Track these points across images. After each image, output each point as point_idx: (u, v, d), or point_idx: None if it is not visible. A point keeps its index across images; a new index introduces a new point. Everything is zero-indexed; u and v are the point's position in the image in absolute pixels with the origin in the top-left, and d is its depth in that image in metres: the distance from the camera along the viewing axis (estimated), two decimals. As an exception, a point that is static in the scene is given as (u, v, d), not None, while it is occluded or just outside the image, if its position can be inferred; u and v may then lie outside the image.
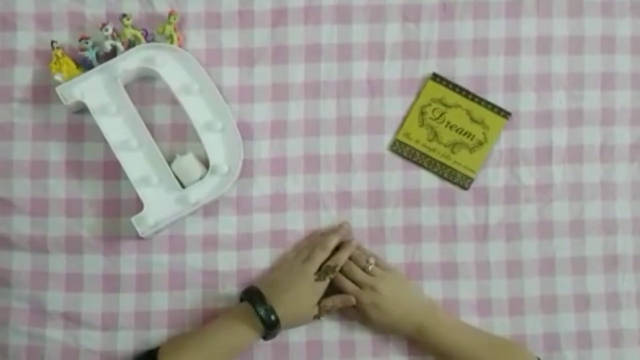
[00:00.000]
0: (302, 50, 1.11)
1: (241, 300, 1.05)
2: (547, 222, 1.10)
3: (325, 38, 1.11)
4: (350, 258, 1.07)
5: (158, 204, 1.05)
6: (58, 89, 1.06)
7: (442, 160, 1.11)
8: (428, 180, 1.11)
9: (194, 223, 1.09)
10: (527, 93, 1.12)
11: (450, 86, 1.11)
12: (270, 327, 1.01)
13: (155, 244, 1.09)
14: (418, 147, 1.11)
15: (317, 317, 1.06)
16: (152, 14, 1.11)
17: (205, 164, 1.08)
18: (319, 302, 1.05)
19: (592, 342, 1.09)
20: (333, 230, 1.09)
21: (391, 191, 1.11)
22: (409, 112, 1.12)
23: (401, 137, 1.11)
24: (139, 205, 1.06)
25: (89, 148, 1.09)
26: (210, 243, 1.09)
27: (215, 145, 1.07)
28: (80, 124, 1.10)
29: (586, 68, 1.12)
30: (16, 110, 1.09)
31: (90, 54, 1.07)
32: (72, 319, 1.08)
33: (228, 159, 1.07)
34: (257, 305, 1.01)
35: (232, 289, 1.08)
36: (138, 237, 1.06)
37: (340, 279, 1.05)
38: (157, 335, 1.08)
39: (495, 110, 1.11)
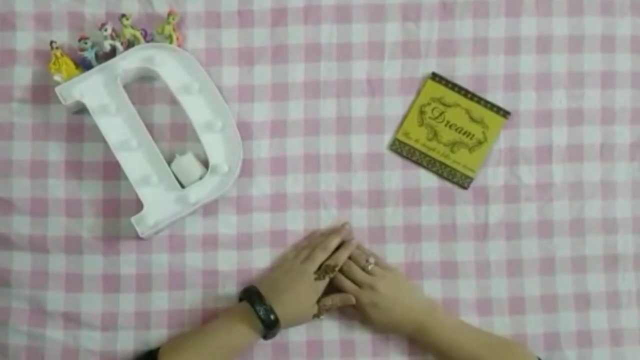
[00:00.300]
0: (302, 49, 1.11)
1: (240, 300, 1.05)
2: (547, 221, 1.10)
3: (325, 37, 1.11)
4: (350, 257, 1.07)
5: (158, 204, 1.05)
6: (57, 89, 1.05)
7: (442, 159, 1.11)
8: (428, 180, 1.11)
9: (193, 223, 1.09)
10: (527, 92, 1.12)
11: (450, 85, 1.11)
12: (269, 327, 1.01)
13: (155, 244, 1.09)
14: (418, 146, 1.11)
15: (316, 316, 1.06)
16: (152, 14, 1.11)
17: (205, 163, 1.08)
18: (318, 301, 1.05)
19: (593, 341, 1.09)
20: (334, 231, 1.09)
21: (391, 190, 1.11)
22: (408, 111, 1.12)
23: (401, 137, 1.11)
24: (138, 205, 1.05)
25: (88, 148, 1.09)
26: (210, 243, 1.09)
27: (215, 145, 1.07)
28: (79, 124, 1.10)
29: (586, 67, 1.12)
30: (16, 110, 1.09)
31: (90, 54, 1.07)
32: (72, 319, 1.08)
33: (228, 158, 1.07)
34: (256, 305, 1.01)
35: (232, 288, 1.08)
36: (138, 237, 1.06)
37: (339, 279, 1.06)
38: (157, 335, 1.08)
39: (495, 109, 1.11)
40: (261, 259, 1.09)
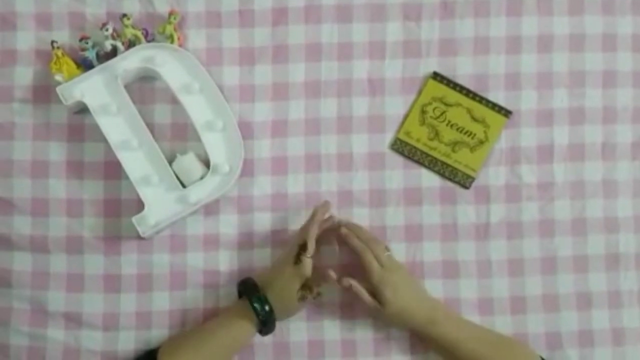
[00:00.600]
0: (303, 49, 1.11)
1: (239, 292, 1.06)
2: (548, 220, 1.10)
3: (326, 37, 1.11)
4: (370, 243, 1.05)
5: (159, 204, 1.05)
6: (58, 89, 1.06)
7: (443, 159, 1.11)
8: (429, 179, 1.11)
9: (194, 223, 1.09)
10: (528, 91, 1.12)
11: (451, 85, 1.11)
12: (264, 317, 1.01)
13: (156, 243, 1.09)
14: (419, 146, 1.11)
15: (301, 299, 1.03)
16: (153, 14, 1.11)
17: (206, 163, 1.07)
18: (310, 288, 1.03)
19: (594, 341, 1.09)
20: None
21: (392, 190, 1.11)
22: (409, 111, 1.12)
23: (402, 136, 1.11)
24: (139, 205, 1.05)
25: (89, 148, 1.09)
26: (211, 243, 1.09)
27: (216, 145, 1.07)
28: (80, 124, 1.10)
29: (587, 66, 1.12)
30: (17, 110, 1.09)
31: (91, 54, 1.07)
32: (73, 319, 1.08)
33: (229, 158, 1.07)
34: (252, 296, 1.01)
35: (233, 288, 1.08)
36: (139, 237, 1.06)
37: (364, 253, 1.03)
38: (158, 335, 1.08)
39: (496, 108, 1.11)
40: (262, 258, 1.09)
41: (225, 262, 1.09)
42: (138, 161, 1.06)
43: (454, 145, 1.11)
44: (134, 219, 1.04)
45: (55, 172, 1.09)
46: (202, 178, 1.07)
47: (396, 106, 1.12)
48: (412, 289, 1.05)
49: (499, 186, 1.11)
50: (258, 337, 1.06)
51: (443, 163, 1.11)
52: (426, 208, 1.11)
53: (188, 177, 1.07)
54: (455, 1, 1.12)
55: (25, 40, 1.10)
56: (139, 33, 1.08)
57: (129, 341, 1.08)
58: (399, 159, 1.11)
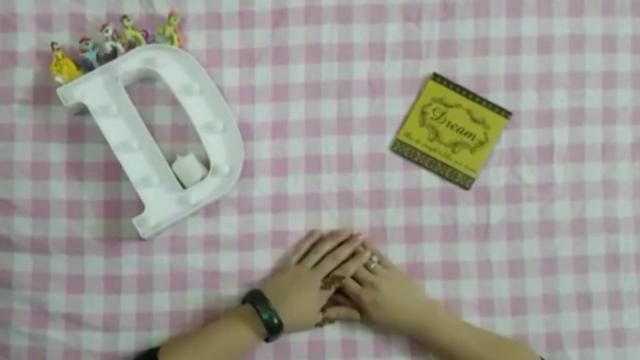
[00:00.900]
0: (303, 50, 1.11)
1: (243, 302, 1.05)
2: (548, 221, 1.10)
3: (326, 38, 1.11)
4: (353, 254, 1.07)
5: (159, 205, 1.05)
6: (59, 91, 1.06)
7: (443, 160, 1.11)
8: (429, 180, 1.11)
9: (195, 224, 1.09)
10: (528, 92, 1.12)
11: (451, 86, 1.11)
12: (273, 331, 1.01)
13: (156, 244, 1.09)
14: (419, 147, 1.11)
15: (319, 325, 1.06)
16: (153, 15, 1.11)
17: (206, 164, 1.08)
18: (322, 310, 1.05)
19: (595, 342, 1.09)
20: (335, 234, 1.09)
21: (392, 191, 1.11)
22: (409, 112, 1.12)
23: (402, 137, 1.11)
24: (139, 206, 1.06)
25: (89, 149, 1.09)
26: (212, 244, 1.09)
27: (216, 146, 1.07)
28: (80, 125, 1.10)
29: (587, 67, 1.12)
30: (17, 112, 1.10)
31: (91, 55, 1.08)
32: (73, 320, 1.08)
33: (229, 159, 1.07)
34: (261, 310, 1.01)
35: (233, 289, 1.08)
36: (139, 238, 1.06)
37: (345, 285, 1.06)
38: (158, 336, 1.08)
39: (496, 109, 1.11)
40: (262, 259, 1.09)
41: (226, 263, 1.09)
42: (138, 162, 1.06)
43: (454, 146, 1.11)
44: (134, 220, 1.04)
45: (55, 174, 1.09)
46: (202, 179, 1.07)
47: (396, 107, 1.12)
48: (401, 299, 1.05)
49: (499, 187, 1.11)
50: (258, 338, 1.06)
51: (443, 164, 1.11)
52: (426, 209, 1.11)
53: (188, 178, 1.07)
54: (455, 2, 1.12)
55: (26, 41, 1.10)
56: (139, 34, 1.08)
57: (129, 342, 1.08)
58: (399, 160, 1.11)
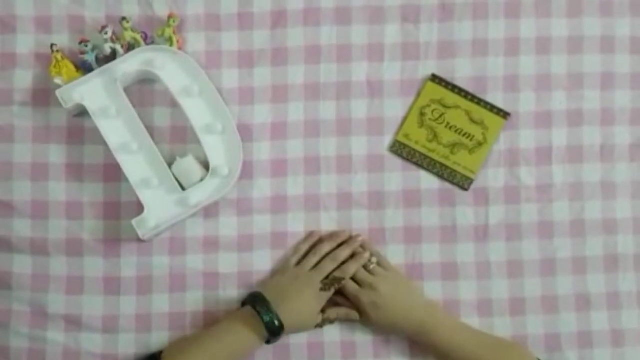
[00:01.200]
0: (302, 51, 1.11)
1: (243, 304, 1.05)
2: (547, 222, 1.11)
3: (325, 39, 1.12)
4: (352, 255, 1.07)
5: (158, 207, 1.06)
6: (58, 92, 1.06)
7: (442, 161, 1.11)
8: (428, 181, 1.11)
9: (194, 225, 1.09)
10: (527, 93, 1.12)
11: (450, 87, 1.12)
12: (274, 333, 1.01)
13: (156, 246, 1.09)
14: (418, 148, 1.11)
15: (319, 325, 1.06)
16: (152, 17, 1.11)
17: (206, 166, 1.08)
18: (322, 311, 1.05)
19: (594, 342, 1.09)
20: (335, 235, 1.09)
21: (391, 192, 1.11)
22: (408, 113, 1.12)
23: (401, 138, 1.11)
24: (139, 208, 1.06)
25: (89, 151, 1.09)
26: (211, 245, 1.09)
27: (216, 147, 1.07)
28: (80, 126, 1.10)
29: (586, 68, 1.12)
30: (16, 113, 1.10)
31: (90, 57, 1.08)
32: (73, 322, 1.08)
33: (228, 160, 1.08)
34: (262, 312, 1.01)
35: (232, 290, 1.08)
36: (138, 240, 1.06)
37: (344, 287, 1.06)
38: (158, 337, 1.08)
39: (495, 110, 1.11)
40: (262, 261, 1.10)
41: (225, 264, 1.09)
42: (138, 164, 1.06)
43: (453, 147, 1.11)
44: (134, 222, 1.05)
45: (55, 175, 1.09)
46: (201, 180, 1.07)
47: (395, 108, 1.12)
48: (400, 300, 1.05)
49: (497, 188, 1.11)
50: (258, 339, 1.06)
51: (442, 165, 1.11)
52: (425, 210, 1.11)
53: (187, 179, 1.07)
54: (453, 3, 1.12)
55: (25, 43, 1.10)
56: (138, 36, 1.08)
57: (129, 343, 1.08)
58: (398, 161, 1.11)
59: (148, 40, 1.10)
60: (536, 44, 1.12)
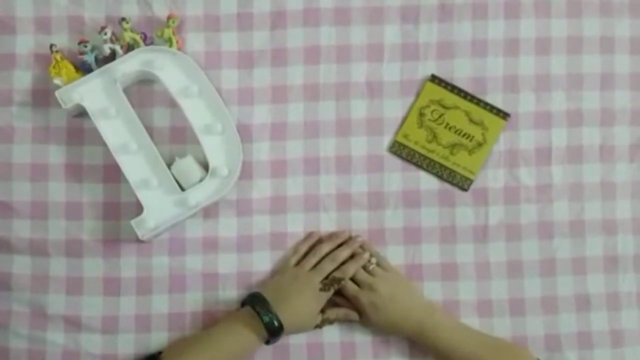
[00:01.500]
0: (301, 52, 1.11)
1: (243, 304, 1.05)
2: (547, 222, 1.10)
3: (324, 40, 1.12)
4: (351, 256, 1.07)
5: (158, 207, 1.06)
6: (57, 93, 1.06)
7: (442, 161, 1.11)
8: (427, 182, 1.11)
9: (193, 225, 1.09)
10: (526, 94, 1.12)
11: (449, 87, 1.11)
12: (273, 334, 1.01)
13: (155, 246, 1.09)
14: (417, 148, 1.11)
15: (318, 326, 1.06)
16: (151, 18, 1.11)
17: (205, 166, 1.08)
18: (322, 311, 1.05)
19: (593, 343, 1.09)
20: (334, 236, 1.09)
21: (391, 192, 1.11)
22: (407, 113, 1.12)
23: (400, 139, 1.11)
24: (138, 208, 1.06)
25: (88, 151, 1.09)
26: (210, 245, 1.09)
27: (215, 148, 1.07)
28: (79, 127, 1.10)
29: (585, 68, 1.12)
30: (16, 114, 1.10)
31: (89, 58, 1.08)
32: (72, 322, 1.08)
33: (228, 161, 1.08)
34: (262, 312, 1.01)
35: (232, 291, 1.08)
36: (138, 240, 1.06)
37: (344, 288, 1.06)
38: (157, 338, 1.08)
39: (494, 111, 1.11)
40: (261, 261, 1.09)
41: (224, 264, 1.09)
42: (137, 164, 1.06)
43: (452, 147, 1.11)
44: (133, 222, 1.05)
45: (54, 175, 1.09)
46: (201, 181, 1.07)
47: (394, 109, 1.12)
48: (399, 300, 1.05)
49: (497, 188, 1.11)
50: (257, 340, 1.06)
51: (441, 165, 1.11)
52: (425, 210, 1.11)
53: (187, 180, 1.07)
54: (453, 3, 1.12)
55: (25, 44, 1.10)
56: (137, 37, 1.08)
57: (128, 344, 1.08)
58: (397, 162, 1.11)
59: (147, 40, 1.10)
60: (536, 45, 1.12)
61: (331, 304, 1.07)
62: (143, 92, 1.10)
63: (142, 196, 1.05)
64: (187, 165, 1.07)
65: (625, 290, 1.10)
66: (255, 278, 1.09)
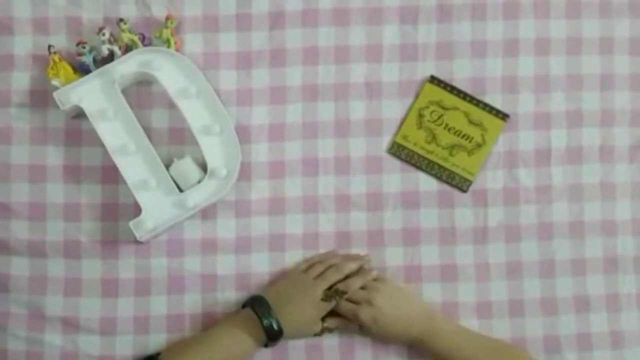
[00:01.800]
0: (300, 52, 1.11)
1: (244, 306, 1.05)
2: (546, 223, 1.10)
3: (323, 41, 1.11)
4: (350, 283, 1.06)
5: (156, 208, 1.05)
6: (55, 94, 1.06)
7: (441, 162, 1.11)
8: (426, 183, 1.11)
9: (192, 227, 1.09)
10: (526, 94, 1.11)
11: (448, 88, 1.11)
12: (272, 338, 1.01)
13: (154, 248, 1.09)
14: (416, 149, 1.11)
15: (318, 334, 1.06)
16: (150, 18, 1.11)
17: (203, 167, 1.07)
18: (323, 319, 1.05)
19: (593, 344, 1.09)
20: (353, 256, 1.09)
21: (390, 194, 1.11)
22: (407, 114, 1.12)
23: (399, 140, 1.11)
24: (137, 210, 1.05)
25: (86, 152, 1.09)
26: (209, 247, 1.09)
27: (213, 149, 1.07)
28: (77, 128, 1.10)
29: (584, 69, 1.12)
30: (14, 115, 1.10)
31: (88, 59, 1.08)
32: (70, 324, 1.08)
33: (226, 162, 1.07)
34: (262, 315, 1.00)
35: (230, 292, 1.08)
36: (136, 241, 1.06)
37: (337, 301, 1.05)
38: (156, 339, 1.08)
39: (494, 112, 1.11)
40: (260, 262, 1.09)
41: (223, 266, 1.09)
42: (135, 165, 1.06)
43: (452, 148, 1.11)
44: (131, 224, 1.04)
45: (52, 177, 1.09)
46: (199, 182, 1.07)
47: (393, 110, 1.12)
48: (399, 310, 1.04)
49: (496, 189, 1.11)
50: (256, 341, 1.06)
51: (440, 166, 1.11)
52: (424, 211, 1.10)
53: (185, 181, 1.07)
54: (451, 4, 1.12)
55: (23, 45, 1.10)
56: (135, 37, 1.08)
57: (126, 345, 1.08)
58: (396, 163, 1.11)
59: (146, 41, 1.09)
60: (535, 45, 1.12)
61: (332, 312, 1.06)
62: (141, 93, 1.10)
63: (141, 197, 1.05)
64: (186, 167, 1.07)
65: (625, 291, 1.10)
66: (253, 279, 1.09)
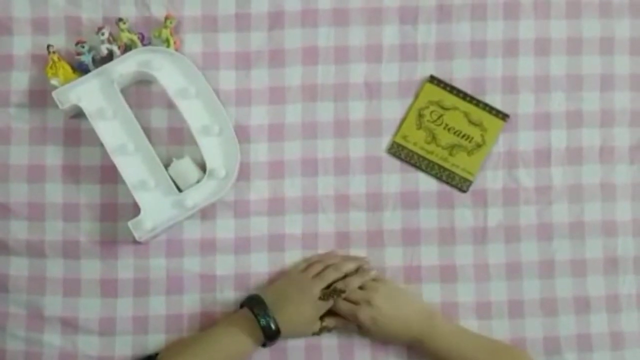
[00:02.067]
0: (299, 53, 1.11)
1: (241, 306, 1.05)
2: (546, 224, 1.10)
3: (322, 41, 1.11)
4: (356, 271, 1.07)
5: (155, 208, 1.05)
6: (54, 94, 1.05)
7: (440, 162, 1.11)
8: (426, 183, 1.11)
9: (191, 227, 1.09)
10: (526, 95, 1.11)
11: (448, 88, 1.11)
12: (270, 337, 1.01)
13: (153, 248, 1.09)
14: (416, 149, 1.11)
15: (316, 334, 1.05)
16: (149, 18, 1.11)
17: (203, 167, 1.07)
18: (321, 318, 1.05)
19: (593, 345, 1.09)
20: (352, 257, 1.08)
21: (389, 194, 1.10)
22: (406, 114, 1.11)
23: (399, 140, 1.11)
24: (136, 210, 1.05)
25: (85, 152, 1.09)
26: (208, 247, 1.09)
27: (212, 149, 1.07)
28: (76, 128, 1.10)
29: (585, 69, 1.12)
30: (13, 115, 1.09)
31: (87, 58, 1.07)
32: (69, 324, 1.08)
33: (225, 162, 1.07)
34: (259, 315, 1.00)
35: (229, 293, 1.08)
36: (135, 242, 1.06)
37: (336, 301, 1.05)
38: (155, 339, 1.08)
39: (494, 112, 1.11)
40: (259, 263, 1.09)
41: (222, 266, 1.09)
42: (134, 165, 1.06)
43: (451, 148, 1.11)
44: (130, 224, 1.04)
45: (51, 177, 1.09)
46: (198, 182, 1.07)
47: (393, 110, 1.11)
48: (398, 310, 1.04)
49: (496, 190, 1.10)
50: (255, 341, 1.06)
51: (440, 167, 1.11)
52: (423, 212, 1.10)
53: (184, 181, 1.07)
54: (451, 4, 1.12)
55: (22, 44, 1.10)
56: (135, 37, 1.08)
57: (125, 346, 1.08)
58: (396, 163, 1.11)
59: (145, 41, 1.09)
60: (535, 45, 1.12)
61: (330, 312, 1.06)
62: (140, 92, 1.10)
63: (140, 197, 1.05)
64: (185, 167, 1.07)
65: (625, 292, 1.10)
66: (253, 280, 1.09)
